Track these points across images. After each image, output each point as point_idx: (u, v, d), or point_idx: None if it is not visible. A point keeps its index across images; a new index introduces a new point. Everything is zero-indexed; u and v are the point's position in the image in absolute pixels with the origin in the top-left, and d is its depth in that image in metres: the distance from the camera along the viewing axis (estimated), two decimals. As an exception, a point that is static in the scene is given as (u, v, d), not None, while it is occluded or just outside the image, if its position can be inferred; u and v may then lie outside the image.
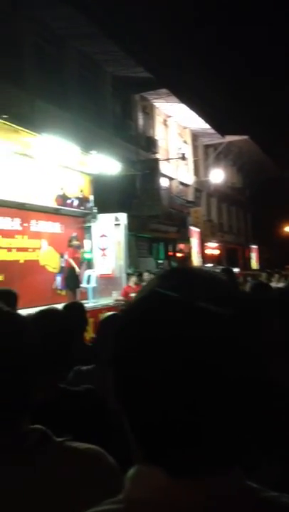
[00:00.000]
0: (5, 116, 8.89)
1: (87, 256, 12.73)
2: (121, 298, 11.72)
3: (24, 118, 11.55)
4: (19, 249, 10.39)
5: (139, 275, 13.03)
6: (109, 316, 2.79)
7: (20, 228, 10.47)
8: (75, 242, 11.56)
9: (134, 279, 11.98)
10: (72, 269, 11.35)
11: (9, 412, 1.01)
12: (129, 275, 12.50)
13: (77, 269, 11.22)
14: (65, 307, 3.80)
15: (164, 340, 0.59)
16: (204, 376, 0.58)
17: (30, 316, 1.89)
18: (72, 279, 11.28)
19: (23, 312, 2.00)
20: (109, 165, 12.64)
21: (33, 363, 1.06)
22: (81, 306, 3.95)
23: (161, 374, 0.59)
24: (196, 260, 23.77)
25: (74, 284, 11.33)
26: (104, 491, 0.98)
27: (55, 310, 2.19)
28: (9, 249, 10.08)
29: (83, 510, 0.64)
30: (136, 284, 11.86)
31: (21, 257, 10.46)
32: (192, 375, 0.58)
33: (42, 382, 1.66)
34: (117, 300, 11.68)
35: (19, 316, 1.12)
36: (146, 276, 12.95)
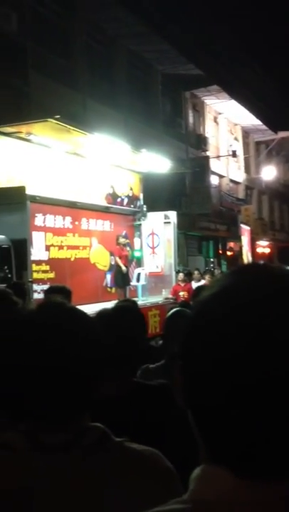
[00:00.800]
0: (57, 116, 9.04)
1: (136, 254, 12.79)
2: (170, 296, 11.70)
3: (75, 118, 11.72)
4: (70, 247, 10.56)
5: (188, 273, 12.96)
6: (175, 313, 2.77)
7: (71, 226, 10.64)
8: (121, 240, 11.61)
9: (181, 276, 11.92)
10: (121, 267, 11.41)
11: (72, 408, 1.01)
12: (177, 273, 12.46)
13: (123, 267, 11.23)
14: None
15: (233, 338, 0.58)
16: (277, 378, 0.56)
17: (105, 311, 1.92)
18: (121, 277, 11.35)
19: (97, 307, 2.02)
20: (158, 163, 12.63)
21: (97, 360, 1.05)
22: (135, 303, 3.99)
23: (231, 373, 0.57)
24: (246, 259, 23.42)
25: (123, 282, 11.40)
26: (159, 493, 0.97)
27: (128, 306, 2.22)
28: (60, 247, 10.26)
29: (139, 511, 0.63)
30: (184, 282, 11.79)
31: (72, 254, 10.63)
32: (264, 376, 0.56)
33: (115, 376, 1.69)
34: (166, 298, 11.67)
35: (83, 312, 1.12)
36: (196, 274, 12.88)
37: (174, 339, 2.46)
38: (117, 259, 11.38)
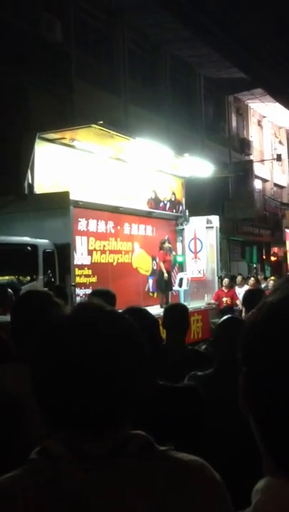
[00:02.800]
0: (100, 122, 9.13)
1: (179, 259, 12.73)
2: (213, 301, 11.56)
3: (118, 123, 11.82)
4: (112, 252, 10.61)
5: (233, 278, 12.78)
6: (228, 319, 2.70)
7: (113, 231, 10.69)
8: (165, 245, 11.56)
9: (226, 281, 11.74)
10: (164, 272, 11.34)
11: (114, 415, 0.97)
12: (221, 278, 12.30)
13: (165, 273, 11.12)
14: (170, 307, 3.86)
15: None
16: None
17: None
18: (163, 282, 11.29)
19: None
20: (201, 167, 12.56)
21: (141, 363, 1.01)
22: (185, 307, 3.97)
23: None
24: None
25: (165, 287, 11.34)
26: (207, 505, 0.93)
27: (136, 308, 2.19)
28: (103, 252, 10.33)
29: None
30: (228, 287, 11.61)
31: (114, 259, 10.67)
32: None
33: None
34: (208, 303, 11.54)
35: (122, 315, 1.08)
36: (239, 279, 12.69)
37: (226, 346, 2.39)
38: (161, 264, 11.32)
